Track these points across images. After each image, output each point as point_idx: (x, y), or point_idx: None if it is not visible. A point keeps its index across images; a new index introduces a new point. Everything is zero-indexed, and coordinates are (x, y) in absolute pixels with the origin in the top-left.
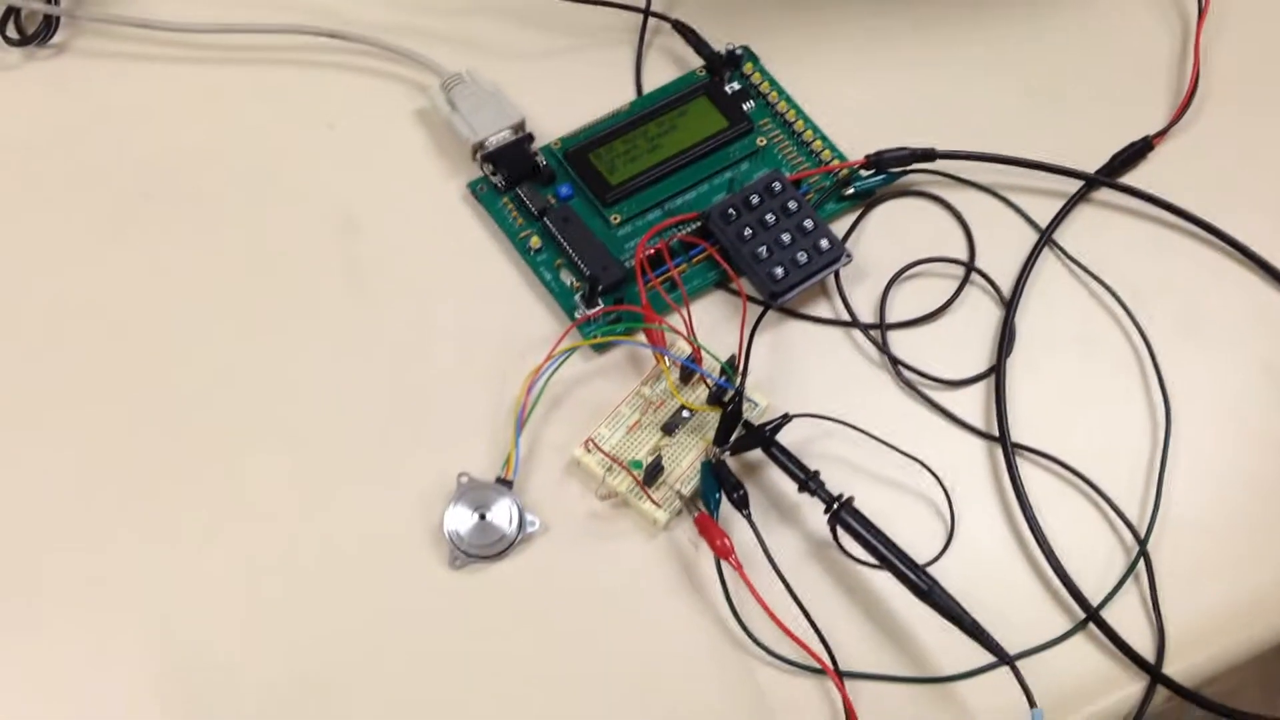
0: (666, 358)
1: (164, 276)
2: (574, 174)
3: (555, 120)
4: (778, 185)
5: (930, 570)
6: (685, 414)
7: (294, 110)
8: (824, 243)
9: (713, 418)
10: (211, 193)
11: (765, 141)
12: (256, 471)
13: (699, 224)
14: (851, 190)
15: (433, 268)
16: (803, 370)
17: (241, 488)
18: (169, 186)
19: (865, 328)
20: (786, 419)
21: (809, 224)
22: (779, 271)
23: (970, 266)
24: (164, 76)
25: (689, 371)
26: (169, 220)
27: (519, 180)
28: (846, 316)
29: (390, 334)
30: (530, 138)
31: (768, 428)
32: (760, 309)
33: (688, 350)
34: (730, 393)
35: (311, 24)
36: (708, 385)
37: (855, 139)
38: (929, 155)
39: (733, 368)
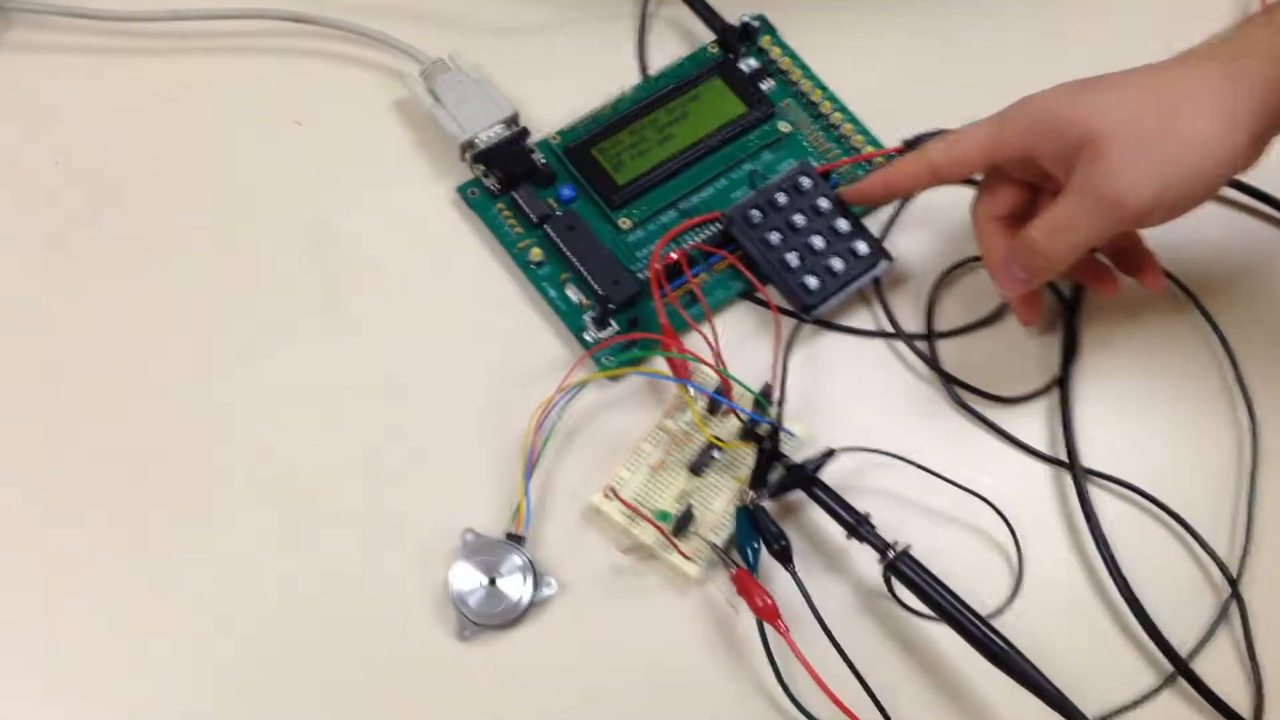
0: (691, 390)
1: (113, 304)
2: (576, 173)
3: (552, 110)
4: (806, 180)
5: (998, 618)
6: (715, 452)
7: (255, 107)
8: (861, 246)
9: (745, 452)
10: (165, 204)
11: (789, 127)
12: (230, 528)
13: (719, 226)
14: None
15: (421, 285)
16: (843, 391)
17: (216, 546)
18: (117, 199)
19: (910, 339)
20: (830, 455)
21: (843, 225)
22: (812, 282)
23: None
24: (107, 74)
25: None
26: (117, 238)
27: (515, 182)
28: (889, 327)
29: (375, 364)
30: (525, 133)
31: (810, 466)
32: (792, 322)
33: (715, 379)
34: (765, 427)
35: (271, 8)
36: (739, 418)
37: (888, 119)
38: None
39: (767, 399)
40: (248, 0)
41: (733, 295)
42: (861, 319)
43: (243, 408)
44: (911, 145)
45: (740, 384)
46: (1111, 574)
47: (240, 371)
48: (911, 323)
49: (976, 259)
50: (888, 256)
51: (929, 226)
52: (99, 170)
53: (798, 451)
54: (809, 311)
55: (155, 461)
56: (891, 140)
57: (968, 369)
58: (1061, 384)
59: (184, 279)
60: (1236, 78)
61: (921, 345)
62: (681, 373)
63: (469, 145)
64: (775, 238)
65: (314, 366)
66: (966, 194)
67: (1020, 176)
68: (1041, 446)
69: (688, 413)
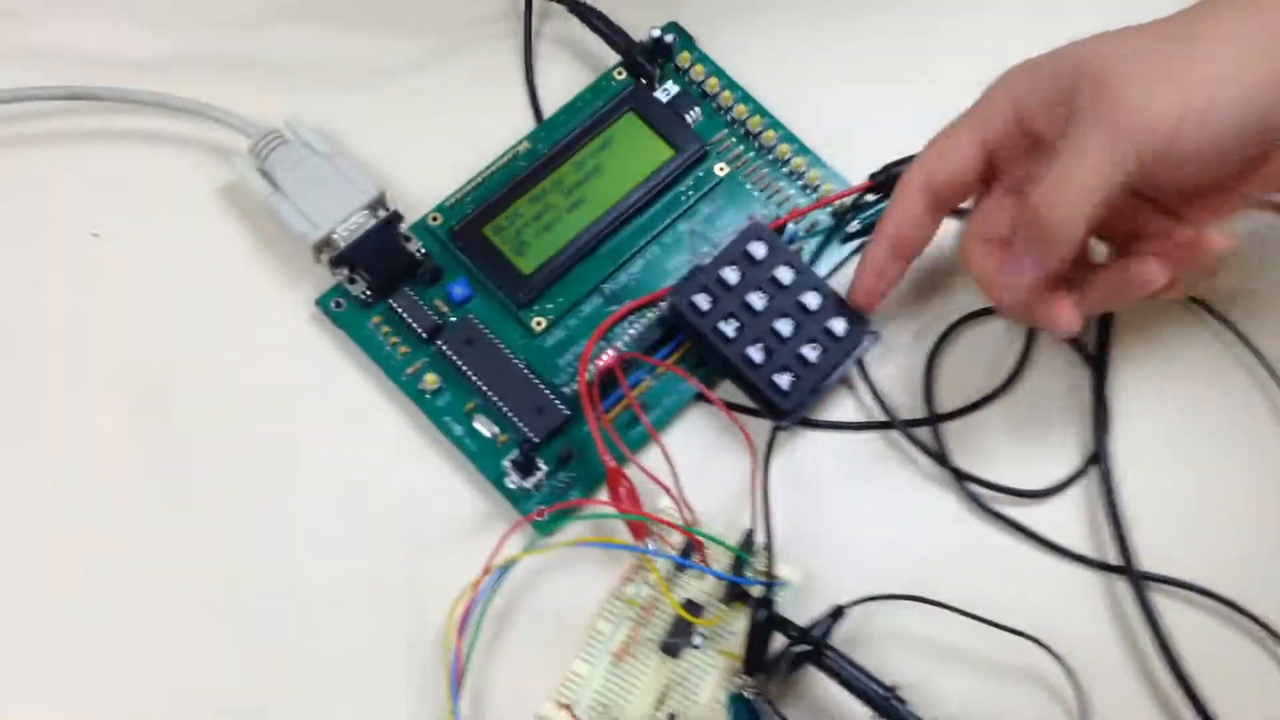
0: (653, 558)
1: None
2: (468, 263)
3: (427, 179)
4: (759, 247)
5: None
6: (696, 638)
7: (34, 221)
8: (838, 324)
9: (732, 617)
10: None
11: (726, 168)
12: None
13: (661, 307)
14: (856, 225)
15: (288, 437)
16: (835, 506)
17: None
18: None
19: (907, 426)
20: (839, 615)
21: (813, 300)
22: (784, 380)
23: None
24: None
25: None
26: None
27: (391, 286)
28: (881, 415)
29: (239, 552)
30: (397, 217)
31: (814, 632)
32: (765, 426)
33: (679, 538)
34: (755, 589)
35: (36, 86)
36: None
37: (847, 147)
38: None
39: (750, 551)
40: (5, 74)
41: (688, 399)
42: (845, 408)
43: (66, 629)
44: (882, 180)
45: (714, 540)
46: (1194, 706)
47: (57, 584)
48: (907, 406)
49: (974, 315)
50: (872, 331)
51: (913, 280)
52: None
53: (793, 604)
54: (784, 418)
55: None
56: (857, 174)
57: (982, 456)
58: (1099, 461)
59: None
60: (1249, 25)
61: (924, 433)
62: (640, 534)
63: (325, 244)
64: (731, 328)
65: (157, 568)
66: (951, 229)
67: (1015, 171)
68: (1086, 549)
69: (650, 576)
